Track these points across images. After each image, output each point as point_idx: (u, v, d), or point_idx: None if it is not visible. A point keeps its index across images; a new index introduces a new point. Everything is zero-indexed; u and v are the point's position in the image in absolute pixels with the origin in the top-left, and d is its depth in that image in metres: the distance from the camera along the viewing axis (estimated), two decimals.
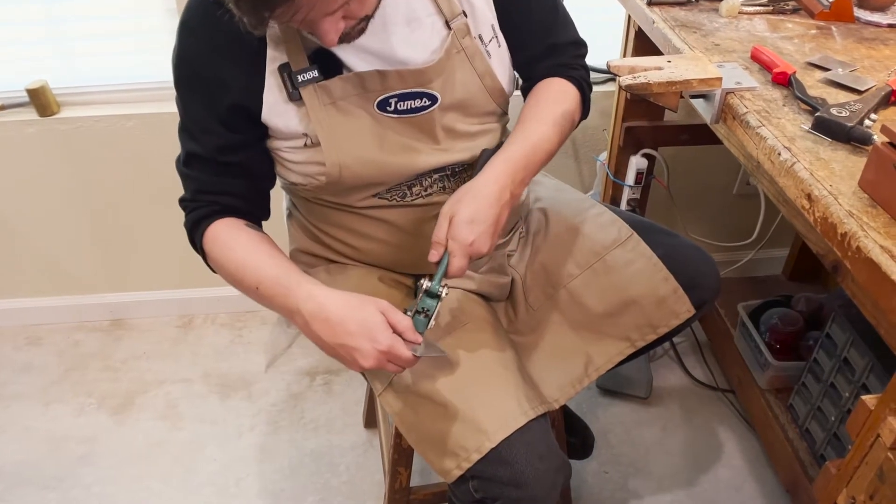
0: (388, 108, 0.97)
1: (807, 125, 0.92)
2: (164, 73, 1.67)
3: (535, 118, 1.01)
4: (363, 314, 0.88)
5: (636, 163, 1.57)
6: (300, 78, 0.92)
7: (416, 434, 1.00)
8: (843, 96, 0.99)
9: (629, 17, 1.49)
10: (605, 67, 1.19)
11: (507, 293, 1.15)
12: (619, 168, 1.63)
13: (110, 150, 1.73)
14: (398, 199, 1.04)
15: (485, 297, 1.13)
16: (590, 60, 1.13)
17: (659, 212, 1.86)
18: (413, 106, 0.98)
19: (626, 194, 1.63)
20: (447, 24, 0.97)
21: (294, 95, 0.93)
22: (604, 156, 1.70)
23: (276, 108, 0.95)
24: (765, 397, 1.54)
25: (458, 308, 1.07)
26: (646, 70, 0.99)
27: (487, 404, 0.96)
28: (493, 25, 1.02)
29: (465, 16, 0.98)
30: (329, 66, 0.94)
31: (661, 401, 1.78)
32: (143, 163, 1.76)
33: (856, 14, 1.26)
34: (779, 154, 0.88)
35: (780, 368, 1.51)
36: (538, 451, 0.95)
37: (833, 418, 1.34)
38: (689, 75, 0.98)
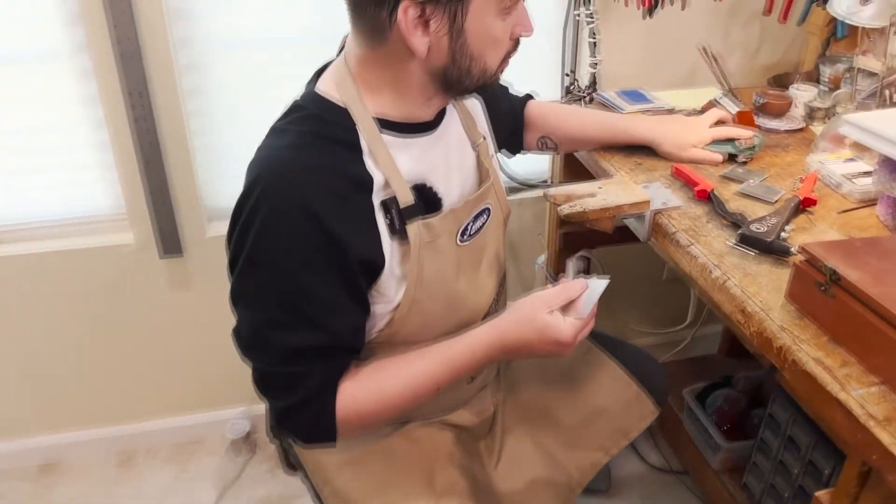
0: (465, 235, 0.96)
1: (731, 241, 1.00)
2: (92, 207, 1.65)
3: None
4: (535, 325, 0.89)
5: (573, 265, 1.64)
6: (408, 214, 0.86)
7: None
8: (759, 208, 1.09)
9: None
10: (539, 180, 1.27)
11: (489, 427, 1.17)
12: (558, 270, 1.69)
13: (36, 288, 1.68)
14: None
15: (462, 429, 1.12)
16: (526, 173, 1.23)
17: (599, 308, 1.92)
18: (481, 225, 1.00)
19: None
20: (473, 146, 1.03)
21: (400, 232, 0.86)
22: (541, 259, 1.76)
23: (393, 254, 0.87)
24: (720, 479, 1.59)
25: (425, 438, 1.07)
26: (581, 198, 1.06)
27: None
28: (493, 143, 1.10)
29: (484, 139, 1.04)
30: (426, 204, 0.90)
31: (621, 492, 1.80)
32: (72, 299, 1.70)
33: (757, 122, 1.39)
34: (710, 272, 0.96)
35: (731, 450, 1.57)
36: None
37: (787, 494, 1.39)
38: (620, 201, 1.05)
